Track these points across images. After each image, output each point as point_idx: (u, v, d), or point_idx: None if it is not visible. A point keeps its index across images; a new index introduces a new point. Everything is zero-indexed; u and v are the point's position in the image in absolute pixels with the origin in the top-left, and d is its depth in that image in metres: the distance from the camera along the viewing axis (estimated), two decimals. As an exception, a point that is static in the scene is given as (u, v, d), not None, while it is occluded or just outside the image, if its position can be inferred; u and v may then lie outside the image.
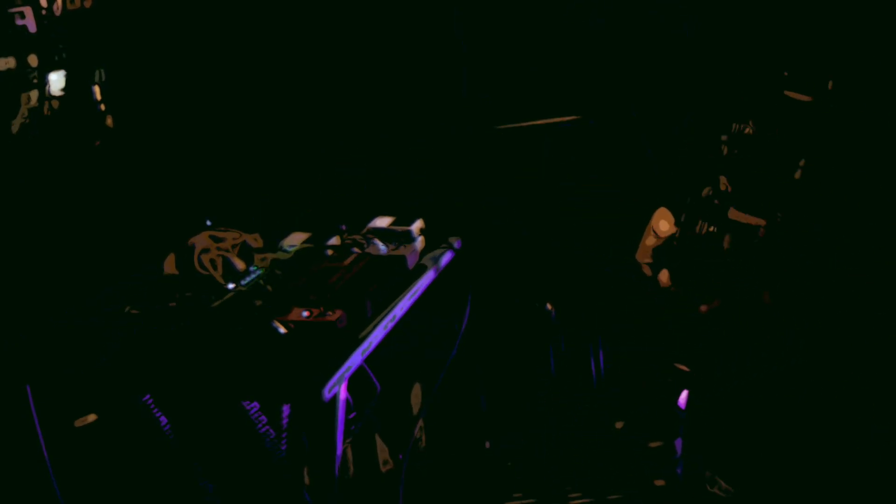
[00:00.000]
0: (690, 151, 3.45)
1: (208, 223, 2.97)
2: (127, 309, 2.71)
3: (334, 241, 3.14)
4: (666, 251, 3.35)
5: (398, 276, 2.93)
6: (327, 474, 2.63)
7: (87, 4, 3.82)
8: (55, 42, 3.71)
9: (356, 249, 3.00)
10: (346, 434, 2.78)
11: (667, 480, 3.45)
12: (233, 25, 3.99)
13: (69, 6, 3.75)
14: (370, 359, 2.64)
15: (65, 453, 3.01)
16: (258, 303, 2.65)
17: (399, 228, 3.12)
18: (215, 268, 2.83)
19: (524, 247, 3.74)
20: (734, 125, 3.20)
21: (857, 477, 3.02)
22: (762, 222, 3.13)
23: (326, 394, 2.39)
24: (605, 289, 3.72)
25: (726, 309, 3.23)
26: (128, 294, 2.82)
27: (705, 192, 3.30)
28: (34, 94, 3.63)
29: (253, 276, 2.81)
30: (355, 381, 2.64)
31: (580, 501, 3.47)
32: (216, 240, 2.94)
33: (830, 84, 3.02)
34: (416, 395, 3.44)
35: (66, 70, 3.75)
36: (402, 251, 3.01)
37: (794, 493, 3.13)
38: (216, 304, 2.63)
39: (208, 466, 2.85)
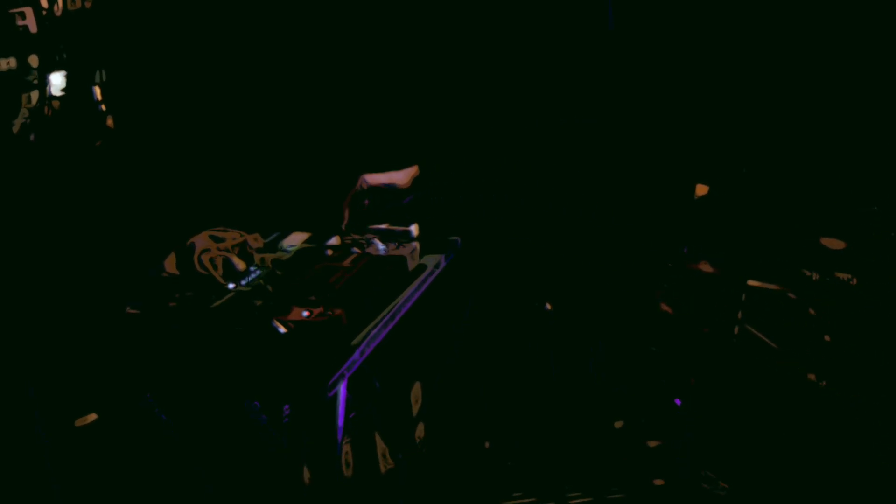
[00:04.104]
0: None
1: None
2: (127, 309, 2.72)
3: (334, 241, 3.15)
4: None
5: (398, 275, 2.93)
6: (328, 473, 2.63)
7: (88, 5, 3.82)
8: (56, 42, 3.71)
9: (356, 249, 3.01)
10: (346, 433, 2.79)
11: (666, 480, 3.46)
12: (233, 25, 3.99)
13: (70, 6, 3.76)
14: (370, 358, 2.64)
15: (65, 453, 3.01)
16: (258, 303, 2.65)
17: (399, 228, 3.13)
18: (215, 268, 2.83)
19: (524, 247, 3.74)
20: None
21: (856, 476, 3.02)
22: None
23: (327, 393, 2.40)
24: (604, 289, 3.73)
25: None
26: (128, 294, 2.82)
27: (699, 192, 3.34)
28: (35, 95, 3.63)
29: (253, 276, 2.82)
30: (355, 381, 2.65)
31: (579, 501, 3.47)
32: (216, 240, 2.94)
33: None
34: (416, 395, 3.45)
35: (66, 70, 3.75)
36: (401, 251, 3.01)
37: (792, 492, 3.14)
38: (216, 304, 2.64)
39: (208, 466, 2.85)
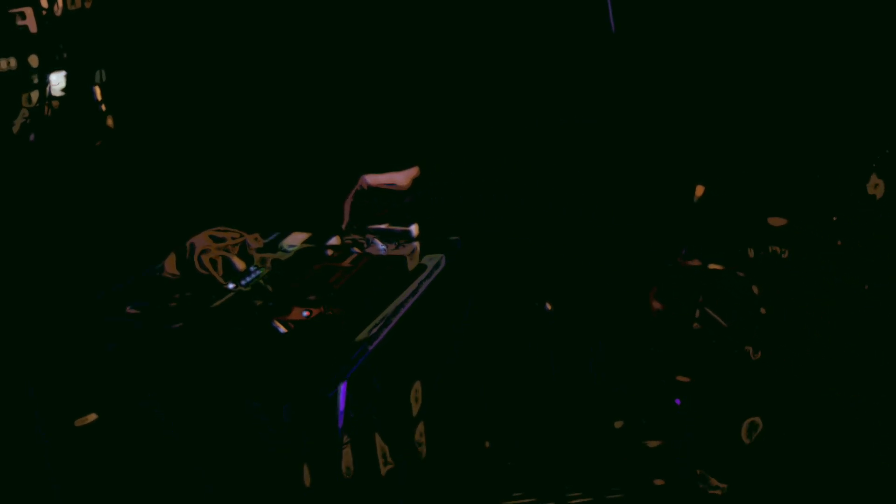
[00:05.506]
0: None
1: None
2: (127, 309, 2.72)
3: (334, 241, 3.15)
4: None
5: (398, 275, 2.93)
6: (328, 473, 2.63)
7: (88, 5, 3.82)
8: (56, 42, 3.71)
9: (356, 249, 3.01)
10: (346, 433, 2.79)
11: (666, 480, 3.46)
12: (233, 25, 3.99)
13: (70, 7, 3.76)
14: (370, 358, 2.64)
15: (65, 453, 3.01)
16: (258, 303, 2.65)
17: (399, 228, 3.13)
18: (215, 268, 2.83)
19: (524, 247, 3.74)
20: None
21: (854, 476, 3.03)
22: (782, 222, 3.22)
23: (327, 393, 2.40)
24: (604, 289, 3.73)
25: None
26: (128, 294, 2.82)
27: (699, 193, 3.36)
28: (35, 95, 3.63)
29: (253, 276, 2.82)
30: (355, 381, 2.65)
31: (579, 501, 3.47)
32: (216, 240, 2.94)
33: None
34: (416, 395, 3.45)
35: (66, 70, 3.76)
36: (401, 251, 3.02)
37: (789, 491, 3.14)
38: (216, 304, 2.64)
39: (208, 466, 2.85)
